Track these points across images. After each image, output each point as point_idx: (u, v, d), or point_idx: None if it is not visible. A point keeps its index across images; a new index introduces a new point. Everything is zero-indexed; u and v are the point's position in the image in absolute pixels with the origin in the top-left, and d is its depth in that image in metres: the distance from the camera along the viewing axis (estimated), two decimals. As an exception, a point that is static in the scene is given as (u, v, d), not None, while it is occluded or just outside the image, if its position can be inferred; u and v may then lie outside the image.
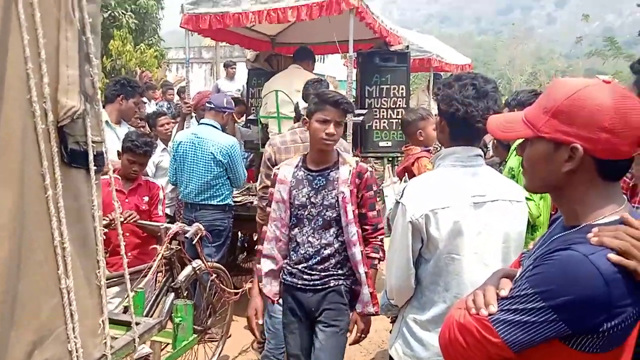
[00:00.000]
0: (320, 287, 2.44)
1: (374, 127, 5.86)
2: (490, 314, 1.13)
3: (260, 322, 2.59)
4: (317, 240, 2.41)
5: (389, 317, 2.49)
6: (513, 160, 2.96)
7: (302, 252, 2.45)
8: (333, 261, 2.42)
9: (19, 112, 0.94)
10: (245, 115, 6.08)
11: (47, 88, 0.98)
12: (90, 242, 1.16)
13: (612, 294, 1.01)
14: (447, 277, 1.84)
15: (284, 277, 2.53)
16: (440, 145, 2.08)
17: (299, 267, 2.45)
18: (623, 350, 1.09)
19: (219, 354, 3.73)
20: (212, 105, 4.28)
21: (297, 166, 2.50)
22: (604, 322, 1.02)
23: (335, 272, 2.43)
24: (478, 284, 1.80)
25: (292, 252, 2.49)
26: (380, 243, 2.51)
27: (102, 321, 1.19)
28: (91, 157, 1.11)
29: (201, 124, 4.32)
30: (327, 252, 2.41)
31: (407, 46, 5.95)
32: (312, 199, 2.41)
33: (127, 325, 1.41)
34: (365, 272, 2.40)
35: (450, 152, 1.91)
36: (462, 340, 1.16)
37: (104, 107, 4.17)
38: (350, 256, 2.40)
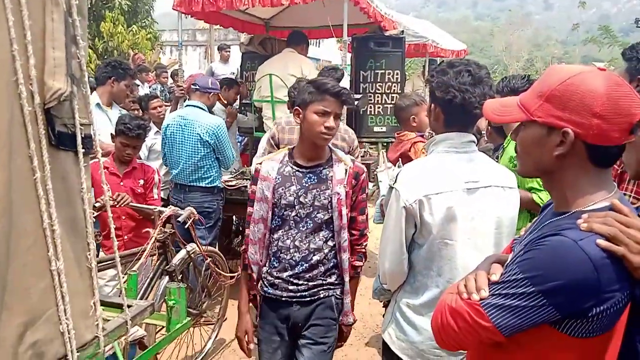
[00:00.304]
0: (308, 298, 2.19)
1: (368, 112, 5.85)
2: (481, 299, 1.14)
3: (252, 346, 2.32)
4: (305, 245, 2.15)
5: (381, 302, 2.50)
6: (512, 149, 2.95)
7: (287, 257, 2.17)
8: (322, 268, 2.18)
9: (5, 94, 0.93)
10: (240, 97, 6.04)
11: (33, 70, 0.97)
12: (79, 225, 1.16)
13: (601, 279, 1.02)
14: (440, 262, 1.86)
15: (264, 288, 2.24)
16: (432, 131, 2.07)
17: (283, 275, 2.18)
18: (612, 334, 1.11)
19: (215, 337, 3.76)
20: (197, 87, 4.29)
21: (282, 161, 2.22)
22: (593, 307, 1.03)
23: (324, 281, 2.19)
24: (470, 269, 1.80)
25: (273, 259, 2.21)
26: (364, 250, 2.32)
27: (94, 303, 1.20)
28: (79, 140, 1.10)
29: (187, 105, 4.33)
30: (316, 258, 2.16)
31: (402, 31, 5.91)
32: (301, 199, 2.15)
33: (120, 307, 1.42)
34: (349, 279, 2.22)
35: (444, 138, 1.91)
36: (454, 324, 1.18)
37: (95, 89, 4.14)
38: (339, 262, 2.20)
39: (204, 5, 4.84)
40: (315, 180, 2.17)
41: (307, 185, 2.17)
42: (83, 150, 1.11)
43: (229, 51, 9.32)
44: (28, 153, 0.99)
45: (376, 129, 5.89)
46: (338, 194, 2.14)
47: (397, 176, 1.91)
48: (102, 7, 13.14)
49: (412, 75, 10.96)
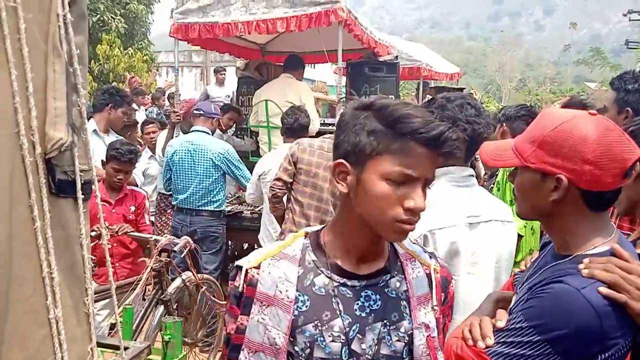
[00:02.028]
0: None
1: (363, 136, 5.87)
2: (487, 347, 1.14)
3: None
4: None
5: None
6: (500, 174, 3.01)
7: None
8: None
9: (7, 146, 0.94)
10: (235, 123, 6.08)
11: (34, 121, 0.98)
12: (78, 270, 1.15)
13: (604, 327, 1.03)
14: (441, 296, 1.85)
15: None
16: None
17: None
18: None
19: (210, 366, 3.73)
20: (202, 112, 4.34)
21: (304, 263, 1.16)
22: (598, 354, 1.04)
23: None
24: (471, 304, 1.82)
25: None
26: None
27: (91, 349, 1.19)
28: (79, 187, 1.11)
29: (193, 131, 4.35)
30: None
31: (397, 56, 5.99)
32: (356, 345, 1.11)
33: (116, 348, 1.41)
34: None
35: (445, 171, 1.89)
36: None
37: (92, 116, 4.16)
38: None
39: (200, 32, 4.89)
40: (379, 303, 1.14)
41: (364, 314, 1.13)
42: (82, 196, 1.11)
43: (224, 74, 9.40)
44: (28, 202, 0.99)
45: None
46: (427, 327, 1.16)
47: None
48: (99, 30, 13.25)
49: (406, 98, 11.08)
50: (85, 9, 1.08)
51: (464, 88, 11.03)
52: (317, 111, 5.95)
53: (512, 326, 1.12)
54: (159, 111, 8.86)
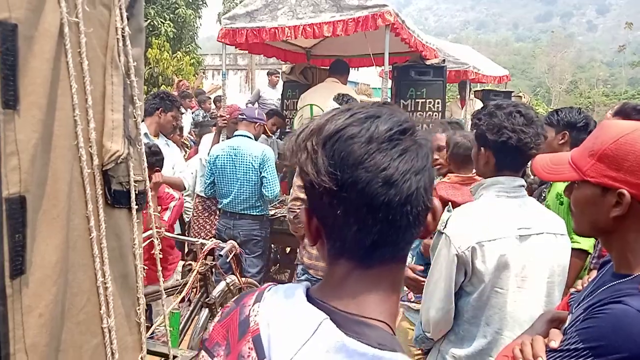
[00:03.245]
0: None
1: (409, 141, 5.79)
2: None
3: None
4: None
5: (420, 350, 2.39)
6: (560, 184, 2.81)
7: None
8: None
9: (66, 158, 0.95)
10: (279, 128, 6.10)
11: (93, 133, 1.00)
12: (131, 280, 1.17)
13: None
14: (489, 311, 1.79)
15: None
16: (480, 176, 2.01)
17: None
18: None
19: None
20: (245, 116, 4.37)
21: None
22: None
23: None
24: (520, 320, 1.75)
25: None
26: None
27: (142, 357, 1.20)
28: (133, 197, 1.12)
29: (235, 135, 4.39)
30: None
31: (444, 60, 5.88)
32: None
33: (164, 355, 1.42)
34: None
35: (494, 181, 1.85)
36: None
37: (143, 120, 4.25)
38: None
39: (247, 37, 4.95)
40: None
41: None
42: (137, 206, 1.13)
43: (278, 76, 9.44)
44: (85, 213, 1.01)
45: (417, 157, 5.82)
46: None
47: (447, 221, 1.84)
48: (149, 35, 13.64)
49: (451, 101, 10.86)
50: (142, 22, 1.09)
51: (512, 92, 10.74)
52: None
53: (567, 347, 1.07)
54: (205, 114, 9.04)
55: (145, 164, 1.16)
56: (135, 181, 1.12)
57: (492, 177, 1.87)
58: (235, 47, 5.55)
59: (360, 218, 0.69)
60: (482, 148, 1.88)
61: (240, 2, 4.98)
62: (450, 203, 2.68)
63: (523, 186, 1.87)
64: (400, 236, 0.72)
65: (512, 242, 1.76)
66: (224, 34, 5.03)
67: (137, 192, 1.13)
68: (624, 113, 2.82)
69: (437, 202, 0.75)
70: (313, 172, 0.70)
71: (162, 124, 4.30)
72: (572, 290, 1.51)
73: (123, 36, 1.01)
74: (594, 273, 1.34)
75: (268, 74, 9.48)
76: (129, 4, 1.04)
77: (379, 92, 6.95)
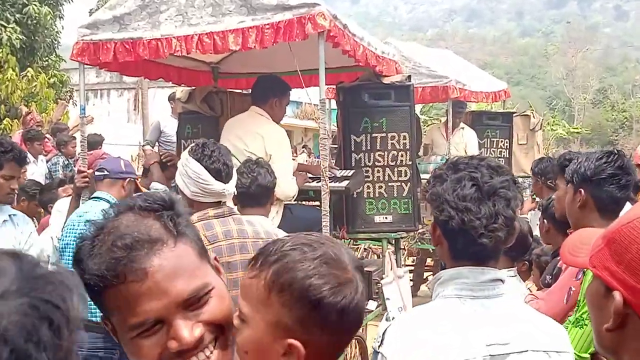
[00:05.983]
0: None
1: (365, 195, 5.83)
2: None
3: None
4: None
5: None
6: None
7: None
8: None
9: None
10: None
11: None
12: None
13: None
14: None
15: None
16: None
17: None
18: None
19: None
20: (105, 172, 4.27)
21: None
22: None
23: None
24: None
25: None
26: None
27: None
28: None
29: (92, 198, 4.32)
30: None
31: (409, 76, 5.98)
32: None
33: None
34: None
35: (454, 275, 1.89)
36: None
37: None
38: None
39: (116, 53, 4.84)
40: None
41: None
42: None
43: (185, 101, 9.36)
44: None
45: (378, 218, 5.84)
46: None
47: (383, 334, 1.86)
48: (-16, 45, 13.40)
49: (431, 128, 11.07)
50: None
51: (513, 112, 11.06)
52: (307, 148, 5.81)
53: None
54: (67, 161, 8.81)
55: None
56: None
57: (451, 268, 1.90)
58: (100, 68, 5.45)
59: None
60: (434, 224, 1.94)
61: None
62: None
63: (498, 280, 1.89)
64: None
65: None
66: (80, 49, 4.92)
67: None
68: None
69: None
70: None
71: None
72: None
73: None
74: None
75: (169, 98, 9.37)
76: None
77: (334, 113, 6.86)
